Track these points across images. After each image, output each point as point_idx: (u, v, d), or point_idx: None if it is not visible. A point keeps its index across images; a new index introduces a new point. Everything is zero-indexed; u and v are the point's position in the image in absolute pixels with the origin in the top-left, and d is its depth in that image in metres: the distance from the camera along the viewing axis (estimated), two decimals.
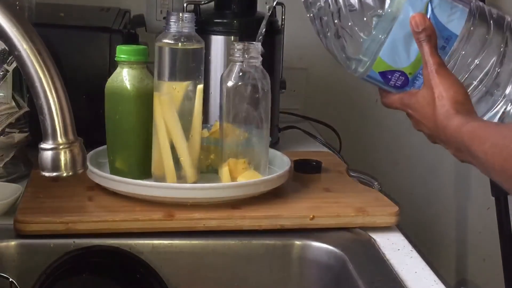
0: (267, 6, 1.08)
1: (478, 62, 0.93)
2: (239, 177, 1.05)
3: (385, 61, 0.93)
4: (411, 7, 0.91)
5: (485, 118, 0.94)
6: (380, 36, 0.92)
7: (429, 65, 0.90)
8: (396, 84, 0.95)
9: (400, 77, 0.94)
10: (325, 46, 0.96)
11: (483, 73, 0.93)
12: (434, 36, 0.91)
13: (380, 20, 0.91)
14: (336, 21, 0.93)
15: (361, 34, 0.92)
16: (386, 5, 0.91)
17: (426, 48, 0.90)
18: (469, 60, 0.93)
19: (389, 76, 0.94)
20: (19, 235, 0.96)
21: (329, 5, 0.93)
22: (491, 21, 0.93)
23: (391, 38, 0.92)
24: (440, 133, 0.90)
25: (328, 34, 0.94)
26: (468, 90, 0.92)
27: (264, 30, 1.05)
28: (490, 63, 0.93)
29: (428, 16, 0.91)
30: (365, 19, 0.91)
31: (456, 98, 0.89)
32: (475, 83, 0.93)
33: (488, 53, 0.93)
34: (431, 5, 0.91)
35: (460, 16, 0.92)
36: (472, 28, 0.92)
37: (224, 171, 1.06)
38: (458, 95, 0.89)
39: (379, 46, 0.92)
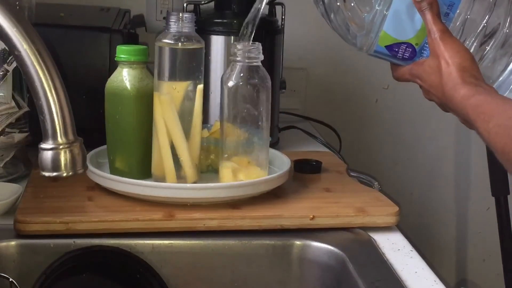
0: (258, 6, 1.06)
1: (486, 24, 0.92)
2: (240, 174, 1.05)
3: (390, 34, 0.93)
4: None
5: (500, 79, 0.93)
6: (381, 9, 0.92)
7: (433, 33, 0.90)
8: (404, 56, 0.95)
9: (407, 48, 0.94)
10: (331, 26, 0.96)
11: (493, 33, 0.92)
12: (435, 3, 0.90)
13: None
14: (338, 3, 0.93)
15: (363, 10, 0.92)
16: None
17: (429, 16, 0.90)
18: (477, 23, 0.92)
19: (396, 49, 0.94)
20: (19, 235, 0.96)
21: None
22: None
23: (392, 10, 0.92)
24: (448, 102, 0.89)
25: (332, 15, 0.94)
26: (480, 54, 0.91)
27: (252, 27, 1.03)
28: (498, 23, 0.92)
29: None
30: None
31: (462, 64, 0.88)
32: (486, 46, 0.92)
33: (496, 13, 0.92)
34: None
35: None
36: None
37: (225, 171, 1.06)
38: (464, 61, 0.88)
39: (382, 20, 0.92)
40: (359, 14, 0.92)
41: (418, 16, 0.91)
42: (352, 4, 0.92)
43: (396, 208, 1.05)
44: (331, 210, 1.04)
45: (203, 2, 1.33)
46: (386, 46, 0.94)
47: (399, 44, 0.94)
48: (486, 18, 0.92)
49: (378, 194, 1.11)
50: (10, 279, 0.88)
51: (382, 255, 0.97)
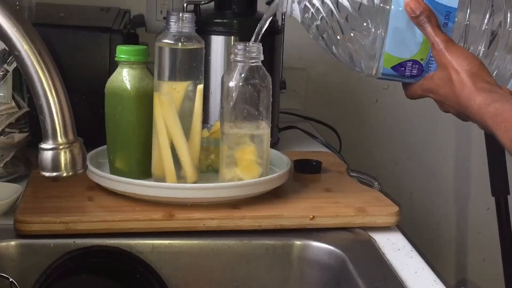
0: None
1: (486, 27, 0.91)
2: (241, 173, 1.05)
3: (393, 55, 0.92)
4: None
5: None
6: (380, 32, 0.91)
7: (436, 44, 0.89)
8: (412, 73, 0.93)
9: (414, 65, 0.93)
10: (335, 58, 0.96)
11: (496, 34, 0.91)
12: (433, 15, 0.89)
13: (374, 16, 0.91)
14: (338, 37, 0.93)
15: (362, 37, 0.91)
16: (376, 1, 0.91)
17: (429, 29, 0.89)
18: (477, 27, 0.91)
19: (403, 68, 0.93)
20: (19, 235, 0.96)
21: (326, 22, 0.93)
22: None
23: (391, 30, 0.91)
24: (464, 111, 0.88)
25: (334, 48, 0.94)
26: (490, 58, 0.90)
27: (262, 30, 1.04)
28: (498, 23, 0.91)
29: None
30: (361, 21, 0.91)
31: (471, 70, 0.87)
32: (493, 49, 0.91)
33: (495, 14, 0.91)
34: None
35: None
36: None
37: (225, 171, 1.06)
38: (473, 67, 0.87)
39: (383, 42, 0.91)
40: (360, 41, 0.92)
41: (418, 31, 0.91)
42: (352, 34, 0.92)
43: (396, 208, 1.05)
44: (331, 210, 1.04)
45: (203, 2, 1.33)
46: (392, 67, 0.93)
47: (404, 62, 0.93)
48: (486, 21, 0.91)
49: (378, 194, 1.11)
50: (10, 279, 0.88)
51: (382, 255, 0.97)
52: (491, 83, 0.87)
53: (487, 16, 0.91)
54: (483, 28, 0.91)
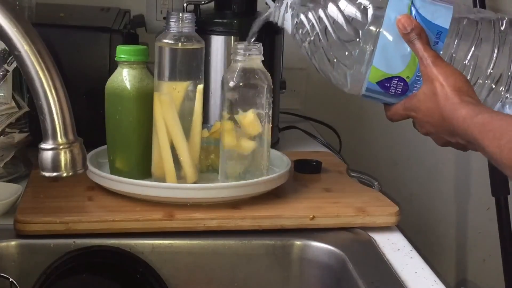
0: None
1: (472, 59, 0.92)
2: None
3: (380, 69, 0.92)
4: (394, 10, 0.90)
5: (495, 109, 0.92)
6: (368, 46, 0.91)
7: (424, 59, 0.89)
8: (397, 91, 0.93)
9: (399, 83, 0.92)
10: (330, 80, 0.96)
11: (482, 67, 0.92)
12: (424, 33, 0.90)
13: (365, 31, 0.91)
14: (331, 53, 0.93)
15: (352, 49, 0.91)
16: (369, 15, 0.91)
17: (419, 45, 0.89)
18: (464, 55, 0.92)
19: (387, 84, 0.93)
20: (19, 235, 0.96)
21: (319, 38, 0.93)
22: (478, 14, 0.93)
23: (380, 44, 0.91)
24: (447, 126, 0.88)
25: (329, 69, 0.94)
26: (473, 86, 0.91)
27: (256, 28, 1.03)
28: (488, 58, 0.92)
29: (414, 16, 0.90)
30: (352, 35, 0.91)
31: (457, 85, 0.87)
32: (478, 79, 0.92)
33: (484, 47, 0.92)
34: (415, 7, 0.91)
35: (446, 12, 0.91)
36: (460, 21, 0.91)
37: (228, 169, 1.06)
38: (459, 82, 0.88)
39: (370, 56, 0.91)
40: (350, 53, 0.91)
41: (407, 48, 0.90)
42: (342, 49, 0.92)
43: (396, 208, 1.05)
44: (331, 210, 1.04)
45: (203, 2, 1.33)
46: (377, 82, 0.92)
47: (390, 79, 0.92)
48: (473, 51, 0.91)
49: (378, 194, 1.11)
50: (10, 279, 0.88)
51: (382, 255, 0.97)
52: (474, 98, 0.88)
53: (475, 47, 0.91)
54: (469, 57, 0.91)
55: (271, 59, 1.33)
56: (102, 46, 1.27)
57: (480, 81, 0.91)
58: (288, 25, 0.96)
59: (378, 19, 0.91)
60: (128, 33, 1.35)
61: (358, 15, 0.91)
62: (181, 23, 1.04)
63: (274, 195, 1.07)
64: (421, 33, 0.89)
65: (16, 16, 0.70)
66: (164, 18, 1.50)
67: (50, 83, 0.70)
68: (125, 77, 1.07)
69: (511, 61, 0.91)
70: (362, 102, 1.79)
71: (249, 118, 1.04)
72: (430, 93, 0.89)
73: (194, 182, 1.05)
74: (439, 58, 0.90)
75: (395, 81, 0.92)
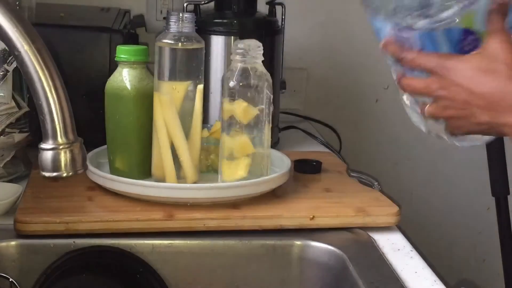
0: None
1: None
2: (241, 171, 1.04)
3: (475, 21, 0.87)
4: None
5: None
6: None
7: (496, 23, 0.85)
8: (465, 48, 0.88)
9: (474, 42, 0.88)
10: None
11: None
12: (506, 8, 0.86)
13: None
14: None
15: None
16: None
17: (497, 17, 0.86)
18: None
19: (466, 37, 0.88)
20: (19, 235, 0.96)
21: None
22: None
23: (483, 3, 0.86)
24: (508, 101, 0.82)
25: None
26: None
27: None
28: None
29: None
30: None
31: None
32: None
33: None
34: None
35: None
36: None
37: (226, 169, 1.06)
38: None
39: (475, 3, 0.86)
40: None
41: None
42: None
43: (396, 208, 1.05)
44: (331, 210, 1.04)
45: (203, 2, 1.33)
46: (464, 28, 0.87)
47: (473, 33, 0.87)
48: None
49: (378, 194, 1.11)
50: (10, 279, 0.88)
51: (382, 255, 0.97)
52: None
53: None
54: None
55: (271, 59, 1.33)
56: (102, 46, 1.27)
57: None
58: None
59: None
60: (128, 33, 1.35)
61: None
62: (181, 23, 1.04)
63: (274, 195, 1.07)
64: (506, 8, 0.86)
65: (16, 16, 0.70)
66: (164, 18, 1.51)
67: (50, 83, 0.70)
68: (125, 77, 1.07)
69: None
70: (362, 102, 1.80)
71: (242, 105, 1.03)
72: (498, 51, 0.84)
73: (194, 182, 1.05)
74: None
75: (472, 38, 0.88)
